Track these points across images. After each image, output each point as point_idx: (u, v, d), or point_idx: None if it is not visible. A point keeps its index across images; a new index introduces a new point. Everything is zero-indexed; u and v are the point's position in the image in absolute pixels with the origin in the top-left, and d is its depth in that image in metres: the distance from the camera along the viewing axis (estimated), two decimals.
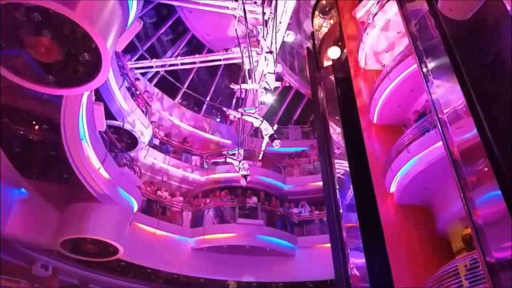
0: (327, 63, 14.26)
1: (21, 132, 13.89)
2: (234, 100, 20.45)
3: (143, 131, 15.61)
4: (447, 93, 7.00)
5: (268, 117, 19.48)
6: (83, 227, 12.81)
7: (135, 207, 14.42)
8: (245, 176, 10.18)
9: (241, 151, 10.51)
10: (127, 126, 15.05)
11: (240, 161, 10.37)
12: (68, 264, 14.17)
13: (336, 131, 12.90)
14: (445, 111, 6.95)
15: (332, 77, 13.37)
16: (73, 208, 13.08)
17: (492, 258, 5.36)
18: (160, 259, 15.28)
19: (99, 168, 12.41)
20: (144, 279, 16.22)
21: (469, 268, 7.78)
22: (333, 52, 13.42)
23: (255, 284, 16.84)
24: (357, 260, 10.12)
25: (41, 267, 13.11)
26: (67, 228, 12.78)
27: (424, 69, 7.94)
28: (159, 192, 16.79)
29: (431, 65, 7.73)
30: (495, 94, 6.03)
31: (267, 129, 9.57)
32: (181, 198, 17.18)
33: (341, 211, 11.58)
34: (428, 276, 9.03)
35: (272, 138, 9.47)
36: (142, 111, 15.62)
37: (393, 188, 10.81)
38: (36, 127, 14.21)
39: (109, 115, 13.94)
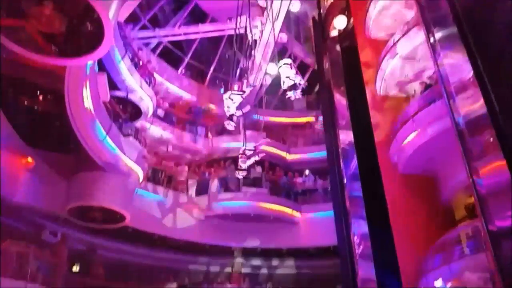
0: (333, 33, 13.99)
1: (25, 103, 13.96)
2: (238, 71, 20.28)
3: (146, 101, 15.60)
4: (455, 64, 6.93)
5: (273, 88, 19.42)
6: (90, 195, 13.09)
7: (141, 176, 14.63)
8: (249, 157, 9.96)
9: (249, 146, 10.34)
10: (131, 97, 15.03)
11: (244, 144, 10.28)
12: (76, 231, 14.54)
13: (341, 102, 12.82)
14: (452, 81, 6.90)
15: (338, 47, 13.11)
16: (79, 177, 13.32)
17: (494, 226, 5.46)
18: (167, 226, 15.63)
19: (104, 138, 12.52)
20: (151, 245, 16.64)
21: (470, 236, 7.94)
22: (340, 22, 13.11)
23: (260, 250, 17.25)
24: (359, 228, 10.28)
25: (50, 234, 13.45)
26: (74, 196, 13.07)
27: (432, 39, 7.82)
28: (164, 162, 16.96)
29: (438, 35, 7.60)
30: (503, 64, 5.98)
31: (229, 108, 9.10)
32: (186, 168, 17.36)
33: (345, 181, 11.66)
34: (430, 244, 9.23)
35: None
36: (146, 81, 15.56)
37: (397, 159, 10.86)
38: (40, 97, 14.24)
39: (112, 85, 13.91)
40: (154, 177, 16.08)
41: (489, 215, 5.50)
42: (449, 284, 7.61)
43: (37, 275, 11.45)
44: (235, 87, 10.30)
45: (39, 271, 11.64)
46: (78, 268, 15.13)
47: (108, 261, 15.96)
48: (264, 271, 18.15)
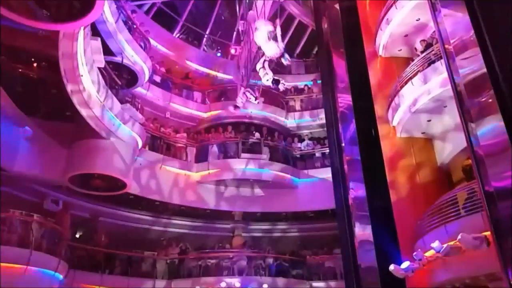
0: None
1: (20, 70, 13.73)
2: (234, 34, 19.89)
3: (142, 66, 15.32)
4: (455, 23, 6.75)
5: None
6: (90, 163, 13.10)
7: (140, 143, 14.61)
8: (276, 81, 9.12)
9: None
10: (126, 62, 14.75)
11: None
12: (78, 199, 14.66)
13: (340, 64, 12.63)
14: (452, 41, 6.75)
15: (337, 6, 12.79)
16: (79, 145, 13.29)
17: (491, 187, 5.48)
18: (168, 192, 15.76)
19: (101, 105, 12.40)
20: (153, 211, 16.85)
21: (467, 197, 8.01)
22: None
23: (259, 214, 17.49)
24: (357, 192, 10.37)
25: (52, 202, 13.56)
26: (74, 164, 13.08)
27: None
28: (162, 129, 16.89)
29: None
30: (505, 24, 5.81)
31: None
32: (185, 135, 17.29)
33: (343, 144, 11.66)
34: (428, 207, 9.32)
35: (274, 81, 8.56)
36: (140, 45, 15.21)
37: (395, 122, 10.81)
38: (35, 64, 13.98)
39: (107, 51, 13.61)
40: (153, 144, 16.04)
41: (485, 176, 5.51)
42: (445, 245, 7.71)
43: (41, 243, 11.60)
44: (232, 50, 10.10)
45: (43, 239, 11.80)
46: (81, 235, 15.35)
47: (110, 228, 16.15)
48: (264, 234, 18.48)
